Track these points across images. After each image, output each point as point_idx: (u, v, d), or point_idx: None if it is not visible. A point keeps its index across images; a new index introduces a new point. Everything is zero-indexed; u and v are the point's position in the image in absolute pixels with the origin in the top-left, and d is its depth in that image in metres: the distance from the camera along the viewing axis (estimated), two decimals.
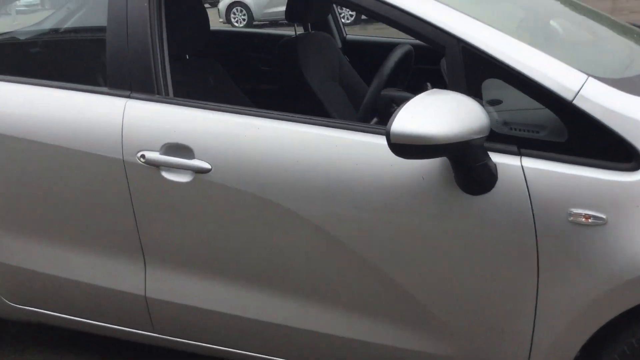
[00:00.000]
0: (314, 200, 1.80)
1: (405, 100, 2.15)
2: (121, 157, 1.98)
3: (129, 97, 2.01)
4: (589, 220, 1.56)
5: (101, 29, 2.20)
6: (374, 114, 2.32)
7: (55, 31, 2.55)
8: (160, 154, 1.93)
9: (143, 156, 1.95)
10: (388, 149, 1.55)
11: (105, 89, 2.05)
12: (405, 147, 1.51)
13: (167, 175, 1.94)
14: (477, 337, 1.81)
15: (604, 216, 1.55)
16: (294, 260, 1.91)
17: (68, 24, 2.57)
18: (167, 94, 2.01)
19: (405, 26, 1.77)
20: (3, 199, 2.22)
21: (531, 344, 1.74)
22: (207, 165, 1.88)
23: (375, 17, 1.82)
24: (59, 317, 2.36)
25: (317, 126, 1.83)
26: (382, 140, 1.64)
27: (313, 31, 3.22)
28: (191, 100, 1.99)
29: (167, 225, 2.02)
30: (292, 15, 3.03)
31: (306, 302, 1.95)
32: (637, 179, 1.53)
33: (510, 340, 1.77)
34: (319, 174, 1.78)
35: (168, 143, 1.92)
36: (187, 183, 1.91)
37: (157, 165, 1.94)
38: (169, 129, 1.94)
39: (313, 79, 2.89)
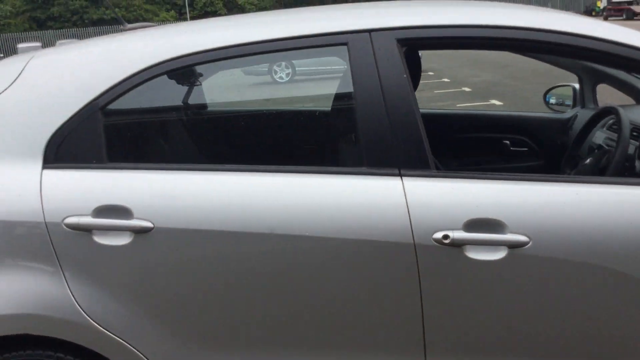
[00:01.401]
0: None
1: None
2: (411, 241, 1.79)
3: (399, 175, 1.83)
4: None
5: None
6: None
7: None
8: (464, 231, 1.78)
9: (446, 236, 1.77)
10: None
11: (364, 169, 1.86)
12: None
13: (472, 254, 1.78)
14: None
15: None
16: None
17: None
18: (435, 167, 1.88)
19: None
20: (220, 310, 1.89)
21: None
22: (523, 239, 1.76)
23: None
24: None
25: None
26: None
27: None
28: (488, 173, 1.87)
29: (465, 308, 1.84)
30: None
31: None
32: None
33: None
34: None
35: (471, 219, 1.78)
36: (499, 260, 1.78)
37: (461, 245, 1.79)
38: (470, 204, 1.79)
39: None
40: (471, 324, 1.86)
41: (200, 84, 2.27)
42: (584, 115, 3.06)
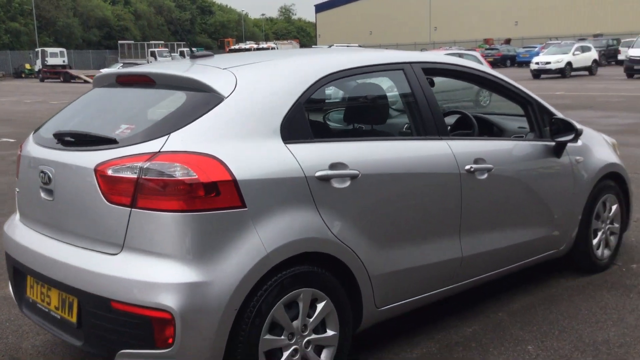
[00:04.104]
0: None
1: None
2: (457, 171, 3.42)
3: (441, 139, 3.45)
4: None
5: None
6: None
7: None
8: (474, 165, 3.50)
9: (471, 168, 3.48)
10: None
11: (428, 137, 3.42)
12: None
13: (478, 175, 3.52)
14: (565, 225, 4.11)
15: None
16: None
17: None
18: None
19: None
20: (378, 222, 3.10)
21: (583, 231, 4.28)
22: (490, 166, 3.61)
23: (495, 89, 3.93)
24: (411, 300, 3.34)
25: None
26: None
27: None
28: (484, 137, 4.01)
29: (480, 210, 3.59)
30: None
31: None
32: None
33: (575, 225, 4.20)
34: None
35: (475, 158, 3.52)
36: (486, 177, 3.57)
37: (473, 172, 3.51)
38: (473, 153, 3.54)
39: None
40: (483, 216, 3.66)
41: (358, 84, 3.54)
42: None
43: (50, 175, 2.91)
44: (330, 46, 22.85)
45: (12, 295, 3.32)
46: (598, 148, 4.50)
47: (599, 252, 4.51)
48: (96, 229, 2.72)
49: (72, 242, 2.83)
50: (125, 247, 2.62)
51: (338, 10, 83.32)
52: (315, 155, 2.90)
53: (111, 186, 2.64)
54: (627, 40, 39.77)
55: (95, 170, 2.68)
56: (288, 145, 2.84)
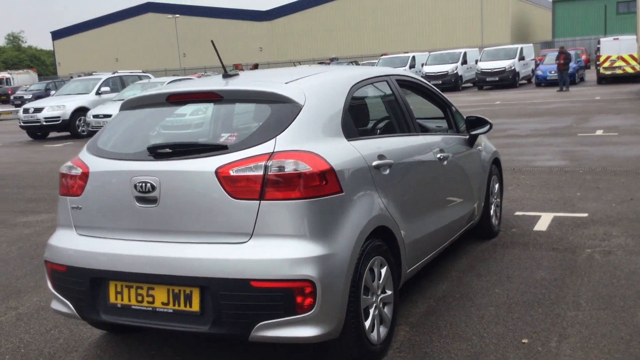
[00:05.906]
0: None
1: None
2: (434, 159, 4.39)
3: (418, 135, 4.32)
4: None
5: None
6: None
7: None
8: (441, 153, 4.47)
9: (440, 156, 4.46)
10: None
11: (414, 133, 4.31)
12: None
13: (443, 162, 4.48)
14: (479, 200, 4.93)
15: None
16: None
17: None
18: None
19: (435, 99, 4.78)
20: (405, 201, 3.86)
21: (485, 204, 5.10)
22: (447, 154, 4.50)
23: (423, 93, 4.71)
24: (421, 262, 4.20)
25: None
26: None
27: None
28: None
29: (445, 189, 4.62)
30: None
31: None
32: None
33: (482, 201, 4.99)
34: None
35: (439, 148, 4.48)
36: (446, 163, 4.56)
37: (440, 159, 4.45)
38: (437, 144, 4.53)
39: None
40: (446, 193, 4.65)
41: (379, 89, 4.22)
42: None
43: (154, 184, 3.15)
44: (114, 73, 22.12)
45: (72, 311, 3.37)
46: (485, 140, 5.74)
47: (494, 221, 5.74)
48: (219, 224, 3.05)
49: (185, 240, 3.11)
50: (254, 235, 3.01)
51: (78, 37, 79.55)
52: (368, 149, 3.57)
53: (236, 185, 3.02)
54: (365, 62, 44.80)
55: (217, 172, 3.03)
56: (350, 142, 3.46)
